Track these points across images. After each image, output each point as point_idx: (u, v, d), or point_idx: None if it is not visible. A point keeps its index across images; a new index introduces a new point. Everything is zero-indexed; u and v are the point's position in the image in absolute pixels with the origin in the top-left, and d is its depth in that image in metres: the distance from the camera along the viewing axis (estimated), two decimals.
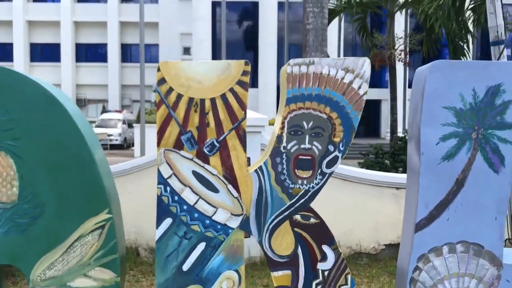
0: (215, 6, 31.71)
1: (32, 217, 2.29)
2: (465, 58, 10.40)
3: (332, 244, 2.38)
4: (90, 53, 43.61)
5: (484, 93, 2.27)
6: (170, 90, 2.26)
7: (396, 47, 11.93)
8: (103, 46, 42.63)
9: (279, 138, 2.33)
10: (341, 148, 2.34)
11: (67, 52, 41.42)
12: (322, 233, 2.37)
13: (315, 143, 2.32)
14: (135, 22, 40.89)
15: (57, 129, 2.28)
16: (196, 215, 2.32)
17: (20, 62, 41.28)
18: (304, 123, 2.31)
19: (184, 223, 2.32)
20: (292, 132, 2.32)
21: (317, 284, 2.38)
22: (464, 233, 2.33)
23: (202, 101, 2.27)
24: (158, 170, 2.30)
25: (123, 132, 26.60)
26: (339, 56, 13.83)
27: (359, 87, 2.31)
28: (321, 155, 2.33)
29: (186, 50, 39.54)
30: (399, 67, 12.81)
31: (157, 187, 2.31)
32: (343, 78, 2.29)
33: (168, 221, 2.32)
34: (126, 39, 42.56)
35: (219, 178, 2.32)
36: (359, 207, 5.10)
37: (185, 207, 2.32)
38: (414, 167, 2.41)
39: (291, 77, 2.30)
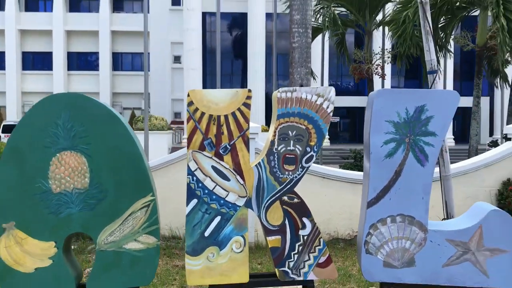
0: (205, 16, 32.69)
1: (98, 199, 3.24)
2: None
3: (310, 216, 3.37)
4: (81, 61, 44.17)
5: (413, 111, 3.29)
6: (196, 109, 3.24)
7: (373, 62, 13.00)
8: (95, 54, 43.28)
9: (272, 142, 3.32)
10: (315, 149, 3.34)
11: (59, 61, 41.89)
12: (302, 209, 3.37)
13: (297, 146, 3.32)
14: (126, 31, 41.80)
15: (116, 136, 3.24)
16: (214, 197, 3.30)
17: (12, 71, 41.71)
18: (290, 132, 3.31)
19: (206, 202, 3.30)
20: (281, 138, 3.32)
21: (299, 245, 3.37)
22: (401, 208, 3.34)
23: (218, 117, 3.26)
24: (188, 165, 3.28)
25: None
26: (322, 69, 14.90)
27: (327, 107, 3.31)
28: (301, 154, 3.32)
29: (177, 58, 40.37)
30: (378, 78, 13.89)
31: (187, 177, 3.28)
32: (316, 101, 3.30)
33: (194, 201, 3.29)
34: (117, 47, 43.25)
35: (230, 170, 3.30)
36: (337, 201, 6.11)
37: (206, 191, 3.29)
38: (366, 166, 3.41)
39: (280, 100, 3.29)
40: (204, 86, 31.17)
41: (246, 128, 3.29)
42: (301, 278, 3.39)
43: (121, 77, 43.12)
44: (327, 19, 11.89)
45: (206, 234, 3.31)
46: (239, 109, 3.27)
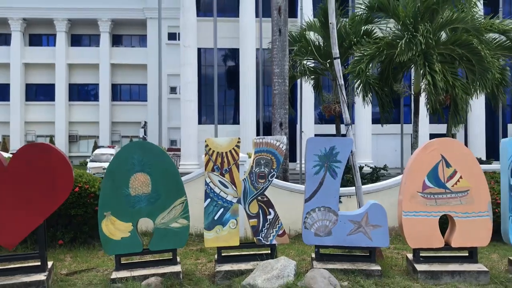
0: (200, 51, 35.53)
1: (155, 199, 5.86)
2: (391, 113, 14.25)
3: (273, 208, 6.02)
4: (82, 92, 46.16)
5: (329, 149, 5.98)
6: (210, 149, 5.92)
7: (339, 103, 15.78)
8: (95, 86, 45.45)
9: (252, 167, 6.00)
10: (276, 170, 6.02)
11: (61, 92, 43.63)
12: (269, 204, 6.02)
13: (265, 168, 5.99)
14: (124, 64, 44.38)
15: (165, 163, 5.89)
16: (219, 197, 5.95)
17: (16, 101, 43.62)
18: (261, 161, 5.99)
19: (215, 200, 5.94)
20: (257, 164, 5.99)
21: (267, 224, 6.01)
22: (323, 202, 5.99)
23: (222, 153, 5.93)
24: (205, 180, 5.93)
25: None
26: (301, 108, 17.82)
27: (282, 147, 6.01)
28: (268, 173, 6.00)
29: (173, 89, 42.95)
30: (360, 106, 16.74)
31: (204, 186, 5.93)
32: (276, 143, 5.99)
33: (208, 200, 5.94)
34: (116, 79, 45.40)
35: (228, 183, 5.96)
36: (300, 207, 8.70)
37: (215, 194, 5.94)
38: (305, 181, 6.08)
39: (256, 143, 5.99)
40: (200, 116, 33.73)
41: (237, 159, 5.98)
42: (268, 243, 6.03)
43: (119, 107, 45.23)
44: (303, 68, 14.81)
45: (215, 218, 5.95)
46: (233, 149, 5.96)
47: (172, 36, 42.61)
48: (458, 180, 5.95)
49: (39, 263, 5.75)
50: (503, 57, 12.88)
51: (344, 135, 7.24)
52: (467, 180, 5.94)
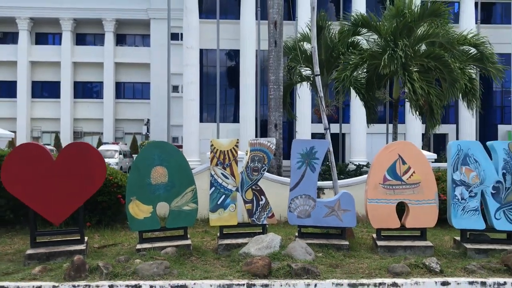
0: (202, 52, 36.92)
1: (171, 187, 7.38)
2: (375, 114, 15.80)
3: (264, 195, 7.56)
4: (87, 90, 47.34)
5: (309, 148, 7.51)
6: (214, 148, 7.45)
7: (328, 105, 17.31)
8: (99, 84, 46.67)
9: (247, 162, 7.53)
10: (267, 165, 7.55)
11: (66, 89, 44.74)
12: (261, 192, 7.56)
13: (258, 164, 7.53)
14: (128, 63, 45.69)
15: (178, 159, 7.41)
16: (222, 186, 7.48)
17: (23, 98, 44.88)
18: (255, 157, 7.53)
19: (218, 188, 7.47)
20: (251, 160, 7.52)
21: (259, 208, 7.55)
22: (304, 191, 7.52)
23: (224, 151, 7.47)
24: (210, 172, 7.46)
25: (119, 161, 30.57)
26: (295, 110, 19.34)
27: (272, 146, 7.55)
28: (260, 167, 7.53)
29: (175, 88, 44.22)
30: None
31: (210, 177, 7.46)
32: (267, 144, 7.53)
33: (213, 188, 7.48)
34: (120, 77, 46.61)
35: (229, 175, 7.49)
36: None
37: (218, 183, 7.48)
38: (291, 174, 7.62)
39: (251, 144, 7.52)
40: (201, 114, 35.12)
41: (236, 156, 7.52)
42: (260, 223, 7.57)
43: (123, 104, 46.41)
44: (296, 76, 16.40)
45: (218, 202, 7.49)
46: (233, 148, 7.50)
47: (175, 36, 43.74)
48: (411, 175, 7.47)
49: (78, 237, 7.28)
50: (475, 67, 14.41)
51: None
52: (418, 174, 7.46)
